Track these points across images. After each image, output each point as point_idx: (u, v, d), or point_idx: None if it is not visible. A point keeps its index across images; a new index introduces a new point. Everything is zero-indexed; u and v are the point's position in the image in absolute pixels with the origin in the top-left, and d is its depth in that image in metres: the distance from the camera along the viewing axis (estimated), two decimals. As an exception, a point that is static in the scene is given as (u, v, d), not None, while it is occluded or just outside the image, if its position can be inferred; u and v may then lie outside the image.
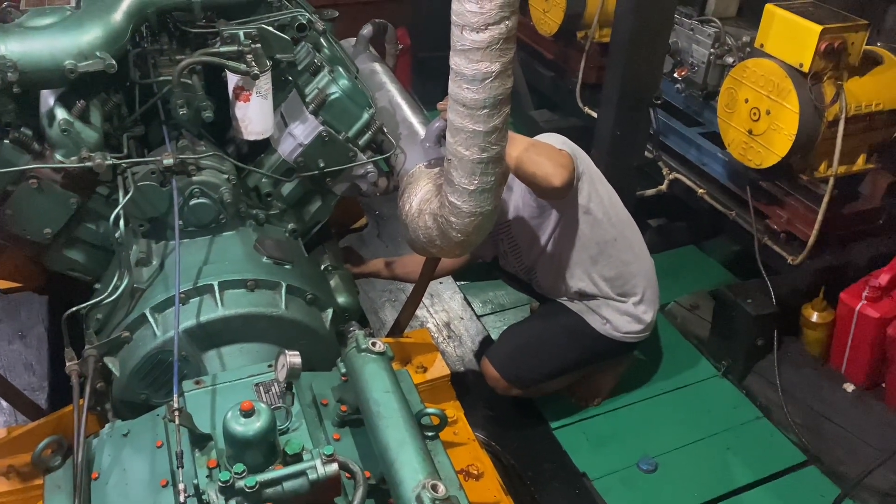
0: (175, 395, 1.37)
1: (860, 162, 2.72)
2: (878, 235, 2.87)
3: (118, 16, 1.79)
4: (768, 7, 2.59)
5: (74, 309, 1.67)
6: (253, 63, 1.82)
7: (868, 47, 2.61)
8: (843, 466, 2.49)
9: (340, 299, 2.09)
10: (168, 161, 1.75)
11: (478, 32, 1.55)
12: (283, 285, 1.77)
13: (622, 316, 2.50)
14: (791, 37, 2.48)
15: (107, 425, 1.59)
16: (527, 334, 2.64)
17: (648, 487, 2.48)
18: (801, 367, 2.77)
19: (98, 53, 1.69)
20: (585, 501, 2.42)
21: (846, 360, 2.66)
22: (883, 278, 2.54)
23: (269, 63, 1.89)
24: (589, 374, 2.80)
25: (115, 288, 1.72)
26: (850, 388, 2.63)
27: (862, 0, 3.07)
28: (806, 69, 2.45)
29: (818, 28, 2.38)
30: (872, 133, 2.67)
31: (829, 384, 2.67)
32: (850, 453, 2.49)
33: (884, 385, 2.62)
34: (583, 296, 2.52)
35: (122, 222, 1.69)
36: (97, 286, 1.90)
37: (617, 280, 2.48)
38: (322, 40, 2.18)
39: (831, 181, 2.55)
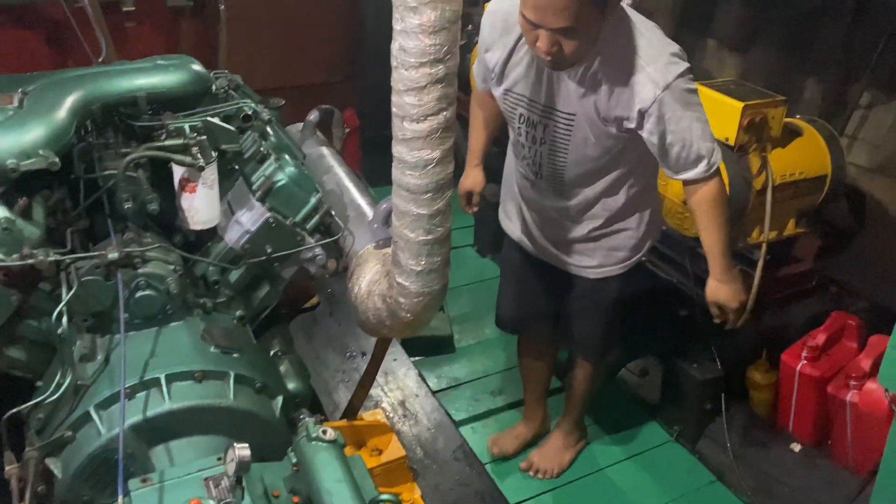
0: (120, 497, 1.33)
1: (790, 227, 2.85)
2: (812, 296, 2.99)
3: (62, 113, 1.81)
4: (694, 86, 2.74)
5: (14, 410, 1.63)
6: (198, 155, 1.85)
7: (788, 120, 2.77)
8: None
9: (291, 385, 2.08)
10: (113, 255, 1.74)
11: (418, 123, 1.62)
12: (232, 375, 1.75)
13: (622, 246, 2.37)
14: (716, 113, 2.62)
15: (48, 531, 1.54)
16: (597, 322, 2.52)
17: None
18: (749, 428, 2.82)
19: (41, 151, 1.70)
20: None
21: (792, 420, 2.72)
22: (819, 338, 2.64)
23: (214, 154, 1.92)
24: (549, 447, 2.86)
25: (58, 386, 1.68)
26: (797, 447, 2.69)
27: (780, 75, 3.28)
28: (732, 143, 2.59)
29: (740, 104, 2.53)
30: (799, 200, 2.81)
31: (777, 444, 2.72)
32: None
33: (829, 443, 2.68)
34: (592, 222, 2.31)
35: (65, 318, 1.66)
36: (39, 384, 1.85)
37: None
38: (268, 128, 2.23)
39: (764, 247, 2.66)
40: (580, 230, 2.32)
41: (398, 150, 1.69)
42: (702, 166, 2.02)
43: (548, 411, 3.01)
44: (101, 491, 1.64)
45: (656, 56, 1.93)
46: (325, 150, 2.68)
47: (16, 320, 1.81)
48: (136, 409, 1.65)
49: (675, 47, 2.00)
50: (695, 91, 1.99)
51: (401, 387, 3.16)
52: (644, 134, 2.00)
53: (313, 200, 2.10)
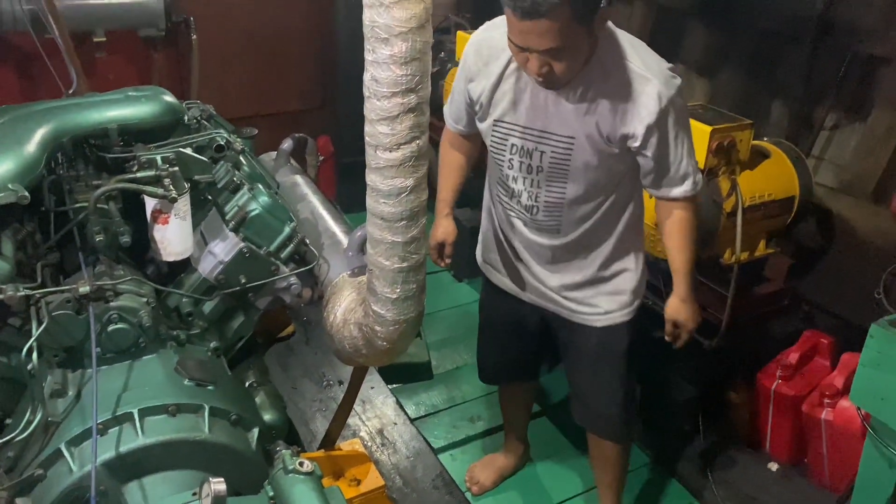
0: (92, 537, 1.31)
1: (761, 247, 2.89)
2: (785, 315, 3.03)
3: (31, 147, 1.79)
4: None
5: (-17, 449, 1.59)
6: (171, 186, 1.84)
7: (756, 142, 2.82)
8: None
9: (266, 416, 2.05)
10: (84, 289, 1.72)
11: (391, 151, 1.63)
12: (206, 408, 1.73)
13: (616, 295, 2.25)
14: (686, 137, 2.67)
15: (18, 573, 1.50)
16: (608, 390, 2.34)
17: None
18: (727, 448, 2.84)
19: (10, 185, 1.68)
20: None
21: (769, 439, 2.74)
22: (793, 357, 2.67)
23: (187, 185, 1.91)
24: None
25: (28, 423, 1.64)
26: (774, 466, 2.71)
27: (747, 99, 3.35)
28: (701, 166, 2.63)
29: (709, 128, 2.58)
30: (768, 220, 2.86)
31: (754, 464, 2.74)
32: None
33: (806, 461, 2.70)
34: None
35: (35, 354, 1.63)
36: (8, 421, 1.81)
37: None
38: (241, 158, 2.22)
39: (736, 267, 2.70)
40: (580, 272, 2.19)
41: (371, 178, 1.70)
42: (688, 184, 2.01)
43: (527, 442, 2.95)
44: (73, 530, 1.61)
45: (657, 70, 1.89)
46: (299, 179, 2.68)
47: (-16, 357, 1.77)
48: (108, 445, 1.62)
49: (667, 63, 1.96)
50: (687, 107, 1.99)
51: (379, 415, 3.14)
52: (646, 150, 1.94)
53: (287, 229, 2.10)
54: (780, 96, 3.29)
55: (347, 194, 3.87)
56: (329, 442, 2.48)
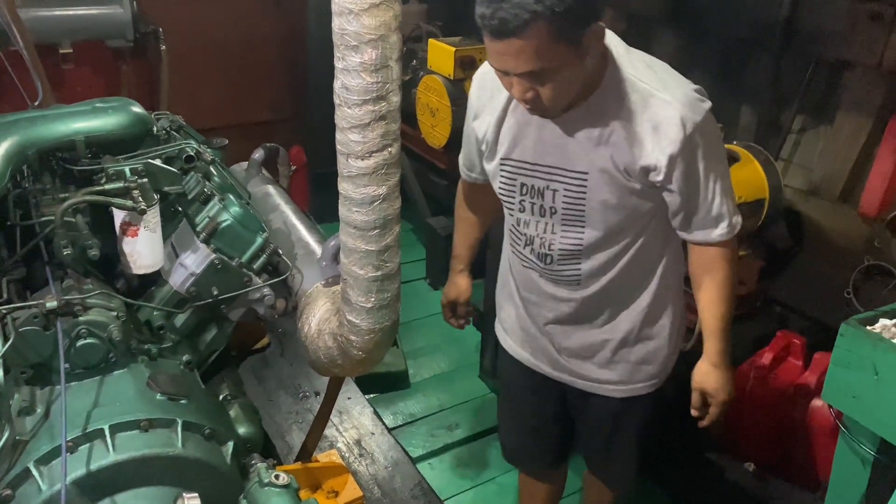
0: (62, 557, 1.28)
1: (732, 250, 2.92)
2: (757, 317, 3.06)
3: (-5, 160, 1.76)
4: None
5: (-52, 470, 1.55)
6: (140, 198, 1.82)
7: (725, 146, 2.85)
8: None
9: (241, 430, 2.02)
10: (52, 304, 1.69)
11: (363, 160, 1.62)
12: (179, 422, 1.70)
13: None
14: (656, 141, 2.70)
15: None
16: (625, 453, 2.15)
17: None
18: (704, 450, 2.85)
19: (-26, 199, 1.65)
20: None
21: (745, 440, 2.76)
22: (766, 358, 2.70)
23: (156, 196, 1.89)
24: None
25: (-6, 442, 1.61)
26: (751, 467, 2.73)
27: (716, 103, 3.39)
28: (673, 170, 2.65)
29: (679, 132, 2.60)
30: (740, 223, 2.89)
31: (731, 465, 2.76)
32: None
33: (781, 461, 2.73)
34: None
35: (0, 371, 1.60)
36: (-26, 441, 1.77)
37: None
38: (212, 169, 2.20)
39: (708, 270, 2.71)
40: (603, 334, 1.92)
41: (344, 187, 1.69)
42: (723, 227, 1.72)
43: None
44: (42, 552, 1.57)
45: (679, 92, 1.63)
46: (271, 189, 2.65)
47: (-52, 375, 1.73)
48: (78, 462, 1.58)
49: (694, 84, 1.69)
50: (720, 136, 1.71)
51: (356, 425, 3.12)
52: (671, 185, 1.67)
53: (260, 240, 2.08)
54: (749, 101, 3.33)
55: (320, 205, 3.85)
56: (306, 454, 2.46)
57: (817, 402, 2.49)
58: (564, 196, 1.76)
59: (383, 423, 3.13)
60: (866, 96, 2.83)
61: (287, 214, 2.52)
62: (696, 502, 2.68)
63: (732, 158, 2.90)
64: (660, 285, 1.87)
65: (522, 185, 1.81)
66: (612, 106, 1.65)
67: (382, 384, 3.42)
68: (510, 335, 2.14)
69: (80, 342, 1.75)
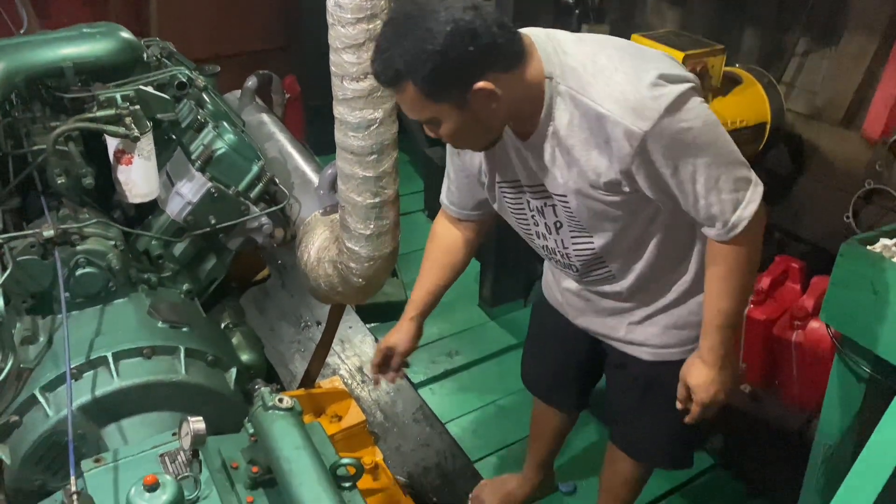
0: (72, 478, 1.30)
1: (733, 175, 2.90)
2: (756, 242, 3.06)
3: (-18, 87, 1.72)
4: (633, 38, 2.74)
5: (-45, 398, 1.57)
6: (132, 125, 1.79)
7: (727, 69, 2.79)
8: (746, 465, 2.62)
9: (244, 357, 2.05)
10: (48, 233, 1.68)
11: (357, 81, 1.59)
12: (182, 349, 1.72)
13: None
14: (658, 64, 2.65)
15: (0, 518, 1.50)
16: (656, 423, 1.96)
17: (570, 509, 2.53)
18: (701, 373, 2.90)
19: (-37, 127, 1.63)
20: (511, 531, 2.44)
21: (741, 363, 2.79)
22: (764, 282, 2.70)
23: (149, 124, 1.86)
24: None
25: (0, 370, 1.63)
26: (747, 388, 2.77)
27: (718, 26, 3.31)
28: (674, 93, 2.61)
29: (681, 54, 2.54)
30: (741, 147, 2.83)
31: (736, 384, 2.80)
32: (753, 452, 2.62)
33: (777, 382, 2.77)
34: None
35: (1, 300, 1.60)
36: (-20, 370, 1.79)
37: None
38: (204, 96, 2.17)
39: (709, 195, 2.70)
40: (638, 309, 1.81)
41: (339, 110, 1.66)
42: (718, 227, 1.51)
43: (549, 473, 2.54)
44: (53, 474, 1.61)
45: (627, 95, 1.41)
46: (265, 117, 2.62)
47: (-50, 306, 1.74)
48: (83, 389, 1.61)
49: (659, 67, 1.44)
50: (698, 125, 1.43)
51: (358, 353, 3.15)
52: (646, 191, 1.51)
53: (255, 168, 2.06)
54: (752, 23, 3.25)
55: (316, 138, 3.80)
56: (309, 380, 2.49)
57: (814, 325, 2.51)
58: (563, 211, 1.64)
59: (384, 352, 3.16)
60: (873, 15, 2.76)
61: (282, 143, 2.50)
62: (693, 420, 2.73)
63: (734, 81, 2.85)
64: (700, 262, 1.71)
65: (528, 201, 1.69)
66: (564, 128, 1.49)
67: (383, 314, 3.44)
68: (551, 289, 2.02)
69: (79, 271, 1.75)
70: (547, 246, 1.73)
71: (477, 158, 1.65)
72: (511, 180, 1.66)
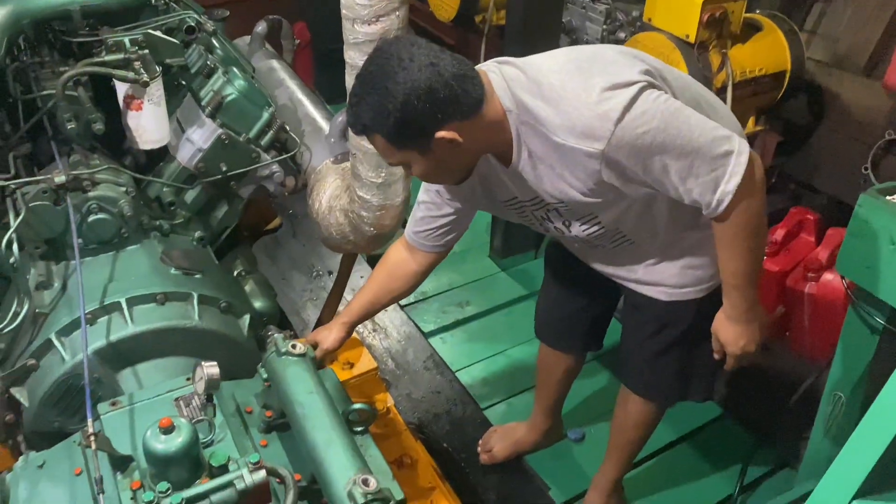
0: (89, 420, 1.32)
1: (750, 125, 2.85)
2: (771, 193, 3.02)
3: (-11, 30, 1.70)
4: (653, -16, 2.67)
5: (-28, 341, 1.59)
6: (141, 70, 1.77)
7: (748, 15, 2.72)
8: (755, 414, 2.63)
9: (257, 304, 2.06)
10: (60, 178, 1.68)
11: (369, 25, 1.56)
12: (195, 295, 1.73)
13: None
14: (676, 10, 2.57)
15: (20, 458, 1.53)
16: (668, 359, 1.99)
17: (578, 456, 2.56)
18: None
19: (-29, 70, 1.61)
20: (519, 477, 2.48)
21: (780, 308, 2.77)
22: (779, 234, 2.68)
23: (158, 69, 1.84)
24: None
25: (16, 315, 1.65)
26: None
27: (740, -31, 3.21)
28: (692, 40, 2.54)
29: (699, 0, 2.48)
30: (759, 97, 2.80)
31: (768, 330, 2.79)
32: (761, 402, 2.63)
33: (788, 334, 2.77)
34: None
35: (15, 246, 1.61)
36: (-4, 315, 1.81)
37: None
38: (214, 41, 2.13)
39: (724, 145, 2.66)
40: (655, 254, 1.82)
41: (350, 55, 1.63)
42: (706, 207, 1.53)
43: (558, 421, 2.56)
44: (70, 417, 1.64)
45: (574, 122, 1.45)
46: (275, 63, 2.58)
47: (-36, 251, 1.75)
48: (98, 333, 1.63)
49: (605, 77, 1.46)
50: (654, 125, 1.44)
51: (369, 303, 3.16)
52: (628, 191, 1.56)
53: (266, 115, 2.04)
54: (774, -34, 3.15)
55: (326, 85, 3.74)
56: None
57: (828, 276, 2.49)
58: (565, 212, 1.69)
59: (395, 301, 3.18)
60: (900, -41, 2.68)
61: (293, 90, 2.46)
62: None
63: (754, 28, 2.78)
64: None
65: (532, 213, 1.75)
66: (537, 152, 1.54)
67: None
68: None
69: (92, 217, 1.75)
70: (565, 236, 1.79)
71: (467, 189, 1.70)
72: (510, 199, 1.72)
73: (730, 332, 1.73)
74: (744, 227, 1.57)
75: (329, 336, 1.82)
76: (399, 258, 1.88)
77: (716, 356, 1.82)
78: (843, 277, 1.77)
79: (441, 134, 1.41)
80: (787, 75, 2.81)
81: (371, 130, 1.44)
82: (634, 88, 1.44)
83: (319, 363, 1.69)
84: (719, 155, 1.48)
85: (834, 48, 3.04)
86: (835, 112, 2.97)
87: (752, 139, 2.97)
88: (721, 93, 2.63)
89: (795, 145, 3.04)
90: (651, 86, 1.48)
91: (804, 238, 2.73)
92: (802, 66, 2.84)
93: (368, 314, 1.94)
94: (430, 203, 1.78)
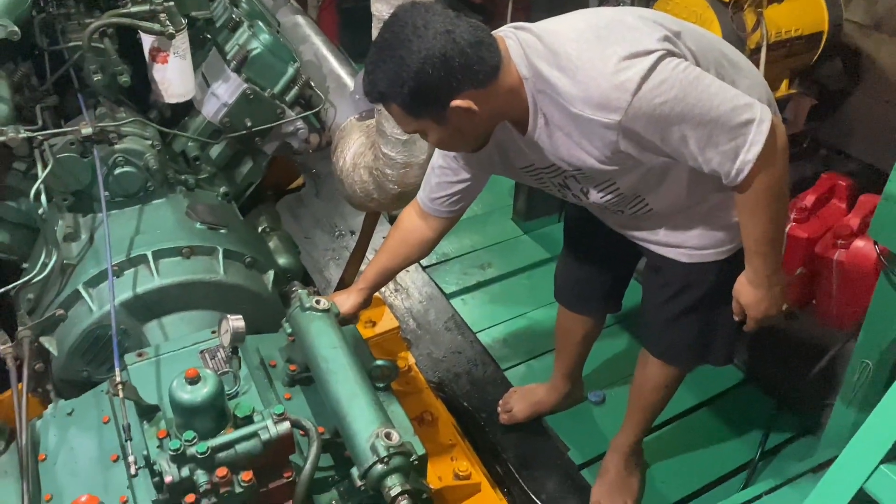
0: (117, 369, 1.34)
1: (783, 87, 2.78)
2: (802, 158, 2.96)
3: (16, -21, 1.69)
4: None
5: (2, 290, 1.61)
6: (167, 22, 1.76)
7: (784, -26, 2.65)
8: (779, 381, 2.62)
9: (281, 260, 2.07)
10: (87, 130, 1.68)
11: (396, -24, 1.52)
12: (220, 250, 1.73)
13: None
14: (711, -33, 2.50)
15: (49, 406, 1.56)
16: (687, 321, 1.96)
17: (598, 418, 2.56)
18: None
19: (-1, 21, 1.60)
20: (539, 437, 2.49)
21: (800, 269, 2.73)
22: (809, 199, 2.63)
23: (184, 21, 1.82)
24: (610, 479, 2.31)
25: (44, 265, 1.66)
26: (784, 306, 2.73)
27: (778, -74, 3.11)
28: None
29: (736, -43, 2.41)
30: (793, 58, 2.73)
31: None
32: (786, 369, 2.61)
33: (814, 302, 2.73)
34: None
35: (43, 197, 1.62)
36: (25, 266, 1.83)
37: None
38: (239, -6, 2.11)
39: (756, 108, 2.60)
40: (677, 218, 1.81)
41: (377, 7, 1.61)
42: (723, 176, 1.52)
43: (578, 384, 2.56)
44: (97, 367, 1.66)
45: (591, 93, 1.43)
46: (300, 19, 2.55)
47: (-7, 202, 1.77)
48: (125, 285, 1.64)
49: (623, 45, 1.43)
50: (673, 94, 1.41)
51: (391, 263, 3.16)
52: (644, 159, 1.55)
53: (291, 70, 2.02)
54: (814, -77, 3.05)
55: (349, 43, 3.71)
56: (343, 287, 2.52)
57: (858, 244, 2.45)
58: (583, 179, 1.68)
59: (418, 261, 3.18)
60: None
61: (317, 46, 2.44)
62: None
63: (792, -13, 2.70)
64: None
65: (550, 180, 1.75)
66: (555, 120, 1.52)
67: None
68: None
69: (118, 170, 1.76)
70: (582, 202, 1.80)
71: (484, 156, 1.68)
72: (527, 165, 1.71)
73: (752, 296, 1.72)
74: (764, 195, 1.54)
75: (347, 301, 1.84)
76: (412, 225, 1.87)
77: (735, 318, 1.81)
78: (875, 243, 1.74)
79: (456, 103, 1.40)
80: (824, 37, 2.73)
81: (387, 98, 1.43)
82: (653, 57, 1.41)
83: (343, 320, 1.71)
84: (740, 124, 1.45)
85: (873, 10, 2.94)
86: (871, 76, 2.88)
87: (784, 102, 2.90)
88: (754, 54, 2.57)
89: (829, 109, 2.97)
90: (670, 53, 1.45)
91: (835, 204, 2.68)
92: (840, 27, 2.76)
93: (384, 280, 1.94)
94: (447, 168, 1.77)
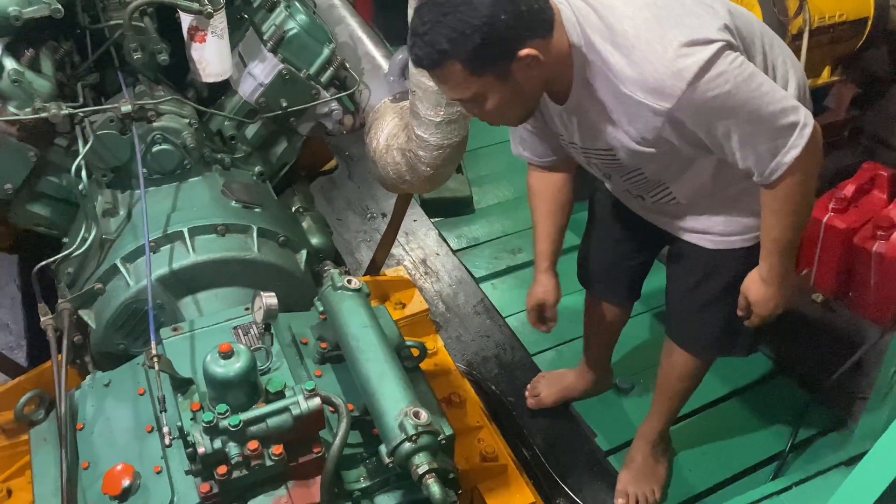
0: (153, 343, 1.37)
1: (825, 75, 2.73)
2: (843, 147, 2.91)
3: (58, -41, 1.71)
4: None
5: (44, 263, 1.65)
6: (206, 2, 1.77)
7: (830, -42, 2.59)
8: (812, 373, 2.58)
9: (314, 240, 2.08)
10: (126, 108, 1.71)
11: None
12: (255, 228, 1.75)
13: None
14: (754, -50, 2.46)
15: (87, 377, 1.60)
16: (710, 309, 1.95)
17: (626, 405, 2.56)
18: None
19: (42, -2, 1.63)
20: (566, 423, 2.49)
21: (815, 271, 2.71)
22: (848, 190, 2.58)
23: (222, 1, 1.84)
24: (637, 466, 2.30)
25: (84, 240, 1.70)
26: (819, 297, 2.70)
27: None
28: (769, -19, 2.44)
29: (780, -61, 2.36)
30: (836, 45, 2.67)
31: (799, 295, 2.73)
32: (819, 361, 2.57)
33: (850, 294, 2.69)
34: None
35: (83, 173, 1.65)
36: (65, 240, 1.87)
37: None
38: (276, -26, 2.11)
39: (796, 96, 2.55)
40: (702, 205, 1.81)
41: (414, -12, 1.60)
42: (757, 177, 1.52)
43: (607, 371, 2.55)
44: (134, 340, 1.69)
45: (646, 76, 1.41)
46: (336, 0, 2.55)
47: (36, 177, 1.80)
48: (161, 261, 1.67)
49: (685, 30, 1.41)
50: (727, 89, 1.40)
51: (422, 246, 3.18)
52: (682, 148, 1.55)
53: (327, 51, 2.03)
54: None
55: (382, 26, 3.71)
56: (374, 268, 2.54)
57: (899, 235, 2.41)
58: (609, 160, 1.70)
59: (448, 245, 3.18)
60: None
61: (353, 27, 2.43)
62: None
63: (837, -29, 2.63)
64: None
65: (576, 155, 1.79)
66: (596, 94, 1.52)
67: (447, 209, 3.45)
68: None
69: (156, 147, 1.78)
70: (611, 188, 1.87)
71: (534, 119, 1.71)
72: (566, 141, 1.74)
73: (762, 293, 1.72)
74: (792, 197, 1.55)
75: (547, 290, 1.99)
76: (544, 182, 1.93)
77: (739, 313, 1.81)
78: (917, 234, 1.70)
79: (525, 51, 1.38)
80: (869, 22, 2.67)
81: (448, 57, 1.37)
82: (713, 48, 1.40)
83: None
84: (784, 126, 1.45)
85: (922, -5, 2.86)
86: (918, 64, 2.82)
87: (826, 90, 2.85)
88: (796, 39, 2.52)
89: (872, 98, 2.91)
90: (729, 46, 1.43)
91: (875, 195, 2.63)
92: (886, 13, 2.70)
93: (559, 245, 2.02)
94: (530, 128, 1.84)
